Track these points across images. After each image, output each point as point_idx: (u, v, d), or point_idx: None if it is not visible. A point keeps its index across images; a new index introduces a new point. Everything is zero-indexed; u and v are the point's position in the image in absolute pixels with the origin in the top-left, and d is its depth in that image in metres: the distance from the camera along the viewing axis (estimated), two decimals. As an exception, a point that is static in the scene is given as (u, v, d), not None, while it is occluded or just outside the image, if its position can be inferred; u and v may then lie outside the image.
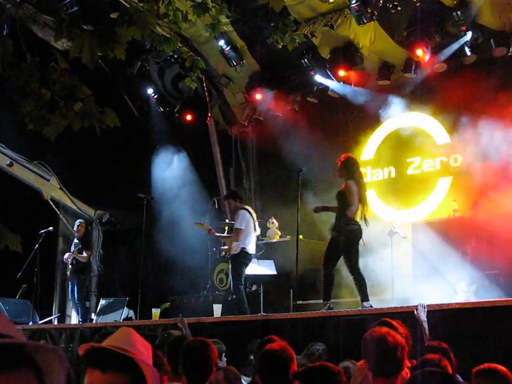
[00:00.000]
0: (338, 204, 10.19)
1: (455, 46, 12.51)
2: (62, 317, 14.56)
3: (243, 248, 11.29)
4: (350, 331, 8.24)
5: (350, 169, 10.20)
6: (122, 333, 2.67)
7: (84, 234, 14.19)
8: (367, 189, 10.52)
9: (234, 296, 11.31)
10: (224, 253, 12.03)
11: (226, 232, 13.99)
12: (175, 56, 14.37)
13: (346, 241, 9.93)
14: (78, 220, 14.29)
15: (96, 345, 2.57)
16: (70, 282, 14.03)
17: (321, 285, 10.28)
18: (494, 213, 11.31)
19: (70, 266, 13.83)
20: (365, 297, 9.68)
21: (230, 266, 11.58)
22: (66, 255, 13.97)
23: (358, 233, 9.96)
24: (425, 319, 7.17)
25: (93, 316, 14.02)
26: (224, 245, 12.26)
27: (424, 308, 7.40)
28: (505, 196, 11.36)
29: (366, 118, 14.47)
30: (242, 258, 11.29)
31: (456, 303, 8.27)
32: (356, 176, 10.22)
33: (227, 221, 15.38)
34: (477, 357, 6.96)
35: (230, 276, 11.54)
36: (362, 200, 10.07)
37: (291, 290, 11.76)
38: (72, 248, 13.94)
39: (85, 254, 13.87)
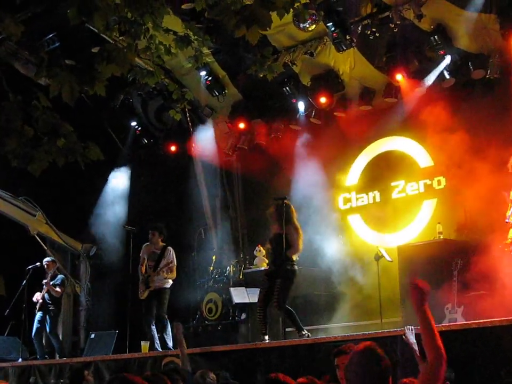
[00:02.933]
0: (274, 245, 10.60)
1: (434, 70, 12.65)
2: (51, 352, 14.44)
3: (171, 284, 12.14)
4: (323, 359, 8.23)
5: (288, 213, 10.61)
6: None
7: (56, 270, 13.82)
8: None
9: None
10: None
11: (213, 263, 14.11)
12: (158, 88, 14.44)
13: (287, 279, 10.34)
14: (45, 259, 13.90)
15: None
16: (38, 320, 13.47)
17: (309, 311, 10.39)
18: (479, 233, 11.40)
19: (40, 300, 13.45)
20: (299, 328, 10.23)
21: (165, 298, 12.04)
22: (37, 295, 13.54)
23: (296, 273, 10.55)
24: (415, 341, 7.18)
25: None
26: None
27: (412, 330, 7.41)
28: (489, 215, 11.44)
29: (349, 144, 14.56)
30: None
31: (443, 325, 8.30)
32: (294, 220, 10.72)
33: (214, 250, 15.43)
34: (465, 379, 6.99)
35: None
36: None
37: (280, 318, 11.76)
38: (44, 286, 13.51)
39: (58, 289, 13.52)
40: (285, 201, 10.76)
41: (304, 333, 10.07)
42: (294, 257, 10.51)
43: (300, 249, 10.55)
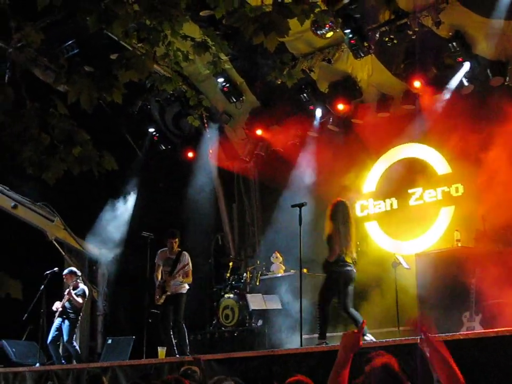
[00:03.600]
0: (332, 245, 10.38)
1: (452, 77, 12.61)
2: (69, 357, 14.49)
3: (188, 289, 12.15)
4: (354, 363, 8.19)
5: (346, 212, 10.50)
6: None
7: (78, 280, 13.77)
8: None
9: None
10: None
11: (230, 269, 14.13)
12: (176, 94, 14.49)
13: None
14: (64, 271, 13.84)
15: None
16: (56, 328, 13.42)
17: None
18: (497, 241, 11.33)
19: (60, 308, 13.42)
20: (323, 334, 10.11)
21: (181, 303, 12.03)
22: (57, 304, 13.53)
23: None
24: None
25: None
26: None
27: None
28: (508, 223, 11.39)
29: (367, 151, 14.55)
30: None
31: (461, 334, 8.25)
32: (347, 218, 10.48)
33: (231, 256, 15.45)
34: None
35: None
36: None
37: (296, 324, 11.74)
38: (65, 296, 13.49)
39: (80, 300, 13.42)
40: (342, 200, 10.65)
41: (323, 341, 10.02)
42: (351, 257, 10.30)
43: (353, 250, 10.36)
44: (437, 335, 7.74)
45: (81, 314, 13.92)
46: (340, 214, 10.41)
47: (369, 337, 9.77)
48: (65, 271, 13.86)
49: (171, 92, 14.25)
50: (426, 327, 4.07)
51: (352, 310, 10.11)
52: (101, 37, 12.31)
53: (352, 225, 10.47)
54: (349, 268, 10.18)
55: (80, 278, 13.91)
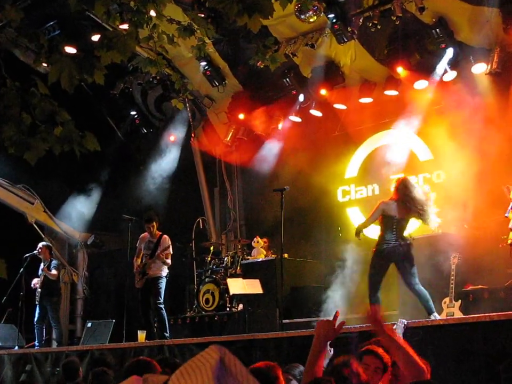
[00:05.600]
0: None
1: (435, 63, 12.60)
2: (48, 340, 14.45)
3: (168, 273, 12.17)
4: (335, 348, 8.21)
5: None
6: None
7: (50, 256, 13.89)
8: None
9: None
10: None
11: (211, 253, 14.16)
12: (158, 77, 14.41)
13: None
14: (39, 244, 14.00)
15: None
16: (39, 306, 13.62)
17: (307, 303, 10.36)
18: (478, 228, 11.39)
19: (39, 289, 13.54)
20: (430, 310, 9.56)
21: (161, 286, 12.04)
22: (34, 281, 13.63)
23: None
24: (400, 335, 7.15)
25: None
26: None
27: (404, 324, 7.41)
28: (489, 210, 11.45)
29: (349, 136, 14.55)
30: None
31: (441, 319, 8.30)
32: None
33: (212, 241, 15.43)
34: (458, 373, 6.99)
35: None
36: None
37: (277, 309, 11.76)
38: (40, 272, 13.67)
39: (54, 272, 13.60)
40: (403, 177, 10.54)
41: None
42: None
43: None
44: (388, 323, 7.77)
45: (61, 289, 14.01)
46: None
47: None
48: (41, 244, 13.87)
49: (153, 75, 14.17)
50: (379, 316, 4.07)
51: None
52: (82, 18, 12.22)
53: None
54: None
55: (53, 253, 14.13)
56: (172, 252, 12.09)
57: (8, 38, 12.58)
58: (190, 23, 7.99)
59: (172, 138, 16.26)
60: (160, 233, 12.23)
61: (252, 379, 1.90)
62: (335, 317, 4.19)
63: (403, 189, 10.23)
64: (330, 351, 7.55)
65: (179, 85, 8.86)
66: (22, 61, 13.24)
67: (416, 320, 7.99)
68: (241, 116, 15.25)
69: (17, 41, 12.83)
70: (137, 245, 12.33)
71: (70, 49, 11.42)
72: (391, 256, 9.92)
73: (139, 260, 12.14)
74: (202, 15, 11.19)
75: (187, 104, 15.57)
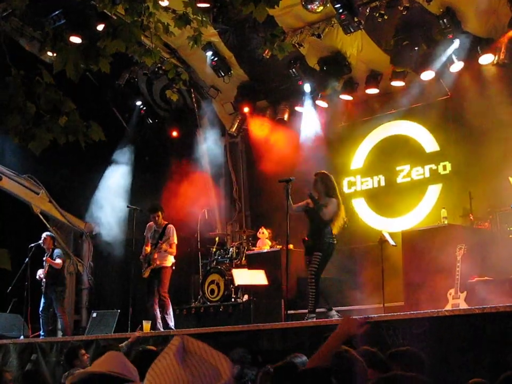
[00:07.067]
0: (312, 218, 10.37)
1: (442, 54, 12.53)
2: (53, 330, 14.46)
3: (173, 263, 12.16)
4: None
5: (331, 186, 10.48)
6: (113, 357, 2.60)
7: (53, 245, 13.95)
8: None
9: None
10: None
11: (216, 244, 14.15)
12: (163, 67, 14.37)
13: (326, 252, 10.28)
14: (44, 233, 14.06)
15: (96, 372, 2.46)
16: (44, 296, 13.67)
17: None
18: (484, 219, 11.36)
19: (44, 280, 13.60)
20: (313, 310, 10.15)
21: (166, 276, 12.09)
22: (39, 271, 13.67)
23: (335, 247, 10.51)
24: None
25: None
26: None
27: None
28: (495, 201, 11.42)
29: (355, 126, 14.52)
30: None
31: (447, 310, 8.27)
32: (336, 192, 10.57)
33: (217, 231, 15.41)
34: (467, 364, 6.96)
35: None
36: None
37: (282, 300, 11.74)
38: (44, 263, 13.70)
39: (58, 261, 13.63)
40: (326, 173, 10.63)
41: (313, 315, 10.01)
42: (334, 231, 10.36)
43: (339, 223, 10.42)
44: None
45: (65, 278, 14.03)
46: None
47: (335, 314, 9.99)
48: (45, 233, 13.89)
49: (158, 65, 14.13)
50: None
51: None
52: (87, 7, 12.18)
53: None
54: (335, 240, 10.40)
55: (56, 242, 14.21)
56: (175, 242, 12.06)
57: (13, 27, 12.61)
58: (185, 12, 7.90)
59: (177, 129, 16.28)
60: (166, 222, 12.23)
61: (216, 353, 2.02)
62: (363, 319, 4.17)
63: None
64: None
65: (172, 73, 8.80)
66: (28, 51, 13.22)
67: (422, 311, 7.95)
68: (246, 107, 15.22)
69: (22, 30, 12.85)
70: (144, 233, 12.36)
71: (75, 39, 11.43)
72: None
73: (148, 248, 12.16)
74: (205, 5, 11.15)
75: (192, 95, 15.57)
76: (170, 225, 12.14)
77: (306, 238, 10.49)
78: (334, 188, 10.56)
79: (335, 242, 10.39)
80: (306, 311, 10.28)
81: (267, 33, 8.52)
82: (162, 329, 11.60)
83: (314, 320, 9.72)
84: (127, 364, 2.55)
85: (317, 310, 10.26)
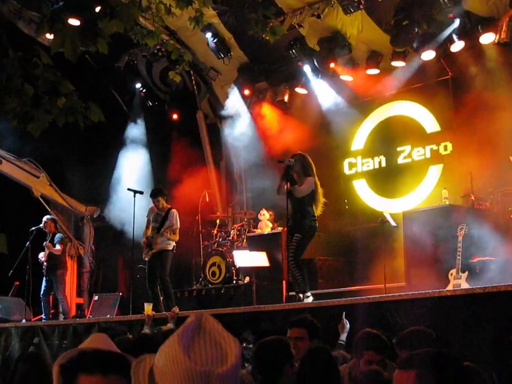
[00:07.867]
0: (293, 199, 10.29)
1: (443, 33, 12.46)
2: (55, 314, 14.49)
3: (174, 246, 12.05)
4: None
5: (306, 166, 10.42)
6: (99, 338, 2.60)
7: (55, 229, 13.95)
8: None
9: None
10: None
11: (217, 226, 14.15)
12: (163, 49, 14.29)
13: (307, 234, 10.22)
14: (45, 216, 14.06)
15: (89, 349, 2.45)
16: (45, 279, 13.67)
17: (313, 275, 10.34)
18: (485, 199, 11.34)
19: (45, 263, 13.62)
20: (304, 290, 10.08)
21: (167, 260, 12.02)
22: (41, 255, 13.70)
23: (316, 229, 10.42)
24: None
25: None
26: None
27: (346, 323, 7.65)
28: (496, 181, 11.40)
29: (356, 107, 14.47)
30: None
31: (448, 290, 8.27)
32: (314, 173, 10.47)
33: (218, 213, 15.40)
34: (468, 344, 6.97)
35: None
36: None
37: (283, 281, 11.75)
38: (46, 249, 13.70)
39: (58, 247, 13.62)
40: (302, 153, 10.63)
41: (308, 295, 10.01)
42: (317, 212, 10.31)
43: (320, 203, 10.38)
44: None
45: (66, 262, 14.05)
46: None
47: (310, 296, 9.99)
48: (46, 217, 13.89)
49: (158, 47, 14.06)
50: None
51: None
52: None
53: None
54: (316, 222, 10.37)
55: (58, 226, 14.19)
56: (178, 227, 12.00)
57: (11, 9, 12.54)
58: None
59: (177, 111, 16.24)
60: (169, 206, 12.15)
61: (227, 335, 2.02)
62: None
63: None
64: (346, 323, 7.59)
65: (176, 55, 8.73)
66: (26, 34, 13.15)
67: (424, 291, 7.95)
68: (247, 88, 15.16)
69: (20, 13, 12.78)
70: (146, 215, 12.28)
71: (74, 21, 11.36)
72: None
73: (148, 231, 12.10)
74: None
75: (192, 77, 15.50)
76: (174, 210, 12.03)
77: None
78: (311, 167, 10.46)
79: (317, 225, 10.29)
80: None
81: (259, 14, 8.36)
82: (164, 312, 11.61)
83: (314, 301, 9.72)
84: (113, 345, 2.56)
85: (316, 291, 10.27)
